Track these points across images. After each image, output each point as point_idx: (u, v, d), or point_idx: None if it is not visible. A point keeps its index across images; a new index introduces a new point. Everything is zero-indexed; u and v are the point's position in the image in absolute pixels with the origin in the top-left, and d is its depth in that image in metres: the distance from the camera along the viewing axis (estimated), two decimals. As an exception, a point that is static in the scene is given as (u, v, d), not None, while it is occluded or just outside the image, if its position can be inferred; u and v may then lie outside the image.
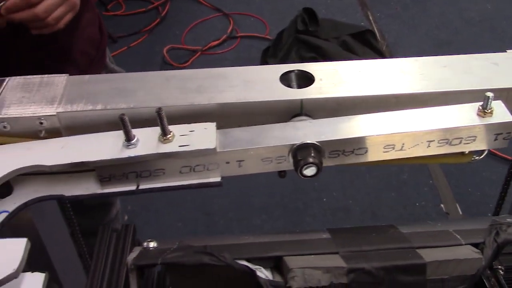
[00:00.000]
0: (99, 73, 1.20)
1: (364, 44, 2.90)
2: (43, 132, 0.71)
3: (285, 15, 3.19)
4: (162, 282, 0.63)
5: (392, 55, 2.93)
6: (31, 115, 0.70)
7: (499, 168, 2.36)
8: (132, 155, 0.66)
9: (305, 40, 2.83)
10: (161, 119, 0.66)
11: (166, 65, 2.96)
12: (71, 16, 0.86)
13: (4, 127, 0.70)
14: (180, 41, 3.11)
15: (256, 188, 2.37)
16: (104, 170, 0.69)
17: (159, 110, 0.65)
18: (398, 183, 2.44)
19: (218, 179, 0.70)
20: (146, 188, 0.70)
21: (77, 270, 0.97)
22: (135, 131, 0.67)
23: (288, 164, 0.68)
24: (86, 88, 0.75)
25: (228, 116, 0.72)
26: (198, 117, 0.72)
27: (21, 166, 0.67)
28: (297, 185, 2.46)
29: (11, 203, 0.70)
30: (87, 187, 0.71)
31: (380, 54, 2.86)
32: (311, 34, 2.85)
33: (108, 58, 1.27)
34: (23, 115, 0.70)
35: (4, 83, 0.75)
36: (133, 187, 0.70)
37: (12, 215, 0.69)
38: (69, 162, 0.66)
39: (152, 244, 0.63)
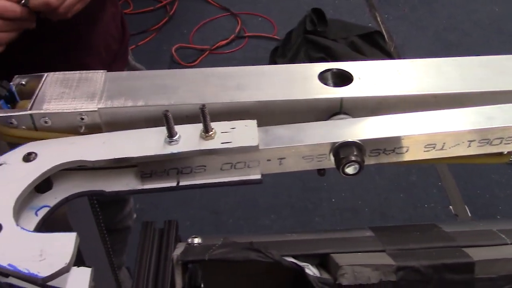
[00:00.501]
0: (122, 70, 1.21)
1: (372, 45, 2.90)
2: (83, 127, 0.71)
3: (292, 15, 3.20)
4: (206, 278, 0.63)
5: (400, 57, 2.94)
6: (73, 110, 0.70)
7: (508, 170, 2.37)
8: (175, 151, 0.66)
9: (314, 41, 2.84)
10: (204, 116, 0.66)
11: (174, 64, 2.96)
12: (80, 6, 0.87)
13: (45, 122, 0.70)
14: (188, 40, 3.12)
15: (262, 188, 2.37)
16: (146, 166, 0.69)
17: (202, 107, 0.65)
18: (407, 184, 2.44)
19: (258, 176, 0.70)
20: (186, 185, 0.70)
21: (105, 266, 0.98)
22: (176, 128, 0.68)
23: (328, 162, 0.69)
24: (125, 85, 0.75)
25: (268, 114, 0.72)
26: (238, 115, 0.72)
27: (65, 161, 0.67)
28: (306, 185, 2.46)
29: (52, 198, 0.70)
30: (127, 183, 0.71)
31: (389, 56, 2.87)
32: (320, 34, 2.86)
33: (130, 55, 1.28)
34: (65, 111, 0.70)
35: (43, 79, 0.75)
36: (174, 184, 0.71)
37: (53, 210, 0.70)
38: (113, 157, 0.67)
39: (197, 240, 0.63)
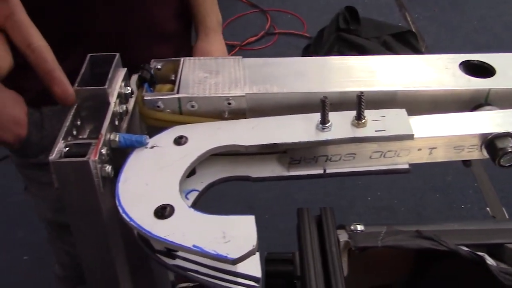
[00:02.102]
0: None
1: (404, 45, 2.91)
2: (227, 113, 0.71)
3: (321, 13, 3.20)
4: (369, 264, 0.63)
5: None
6: (221, 95, 0.70)
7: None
8: (330, 138, 0.66)
9: (347, 39, 2.84)
10: (360, 103, 0.66)
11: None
12: None
13: (192, 106, 0.70)
14: (218, 35, 3.10)
15: (299, 184, 2.37)
16: (296, 153, 0.69)
17: (360, 94, 0.65)
18: (443, 185, 2.45)
19: (406, 165, 0.70)
20: (333, 172, 0.70)
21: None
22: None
23: (478, 154, 0.69)
24: (265, 71, 0.75)
25: (411, 103, 0.72)
26: (380, 103, 0.71)
27: (218, 145, 0.66)
28: (342, 183, 2.47)
29: (198, 183, 0.69)
30: (273, 170, 0.71)
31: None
32: (352, 32, 2.86)
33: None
34: (213, 95, 0.70)
35: (181, 63, 0.75)
36: (320, 171, 0.70)
37: (201, 195, 0.69)
38: (266, 143, 0.66)
39: (360, 227, 0.63)
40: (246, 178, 0.70)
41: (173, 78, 0.76)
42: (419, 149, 0.68)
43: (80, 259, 0.69)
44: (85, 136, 0.71)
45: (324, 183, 2.45)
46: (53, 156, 0.61)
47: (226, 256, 0.53)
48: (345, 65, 0.76)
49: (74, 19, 0.96)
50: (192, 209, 0.59)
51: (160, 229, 0.56)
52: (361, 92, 0.65)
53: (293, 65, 0.76)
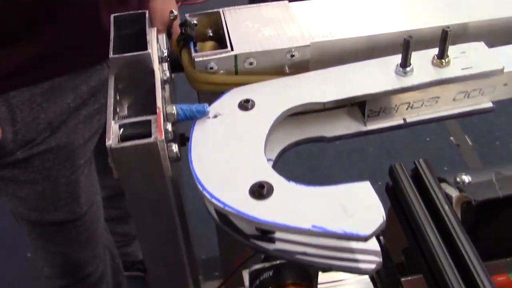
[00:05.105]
0: None
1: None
2: (290, 66, 0.62)
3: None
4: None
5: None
6: (283, 47, 0.60)
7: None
8: (415, 83, 0.58)
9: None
10: (445, 39, 0.58)
11: None
12: None
13: (250, 63, 0.60)
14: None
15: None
16: (376, 104, 0.61)
17: (446, 29, 0.58)
18: (407, 121, 2.45)
19: (489, 104, 0.64)
20: (414, 121, 0.63)
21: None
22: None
23: None
24: (317, 14, 0.65)
25: (482, 35, 0.65)
26: (456, 37, 0.64)
27: (292, 106, 0.57)
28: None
29: (269, 151, 0.60)
30: (348, 126, 0.63)
31: None
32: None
33: None
34: (274, 48, 0.60)
35: (222, 16, 0.64)
36: (400, 121, 0.63)
37: (274, 164, 0.60)
38: (346, 96, 0.58)
39: (467, 178, 0.57)
40: (320, 139, 0.62)
41: (211, 34, 0.65)
42: (505, 84, 0.62)
43: (144, 252, 0.60)
44: (124, 113, 0.60)
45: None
46: (110, 141, 0.50)
47: (357, 234, 0.45)
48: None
49: None
50: (293, 183, 0.50)
51: (264, 212, 0.47)
52: (447, 27, 0.58)
53: (347, 4, 0.67)
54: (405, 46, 0.57)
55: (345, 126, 0.62)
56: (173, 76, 0.68)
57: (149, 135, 0.51)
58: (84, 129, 0.95)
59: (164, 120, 0.53)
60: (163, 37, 0.66)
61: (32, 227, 1.05)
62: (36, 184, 0.94)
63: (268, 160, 0.60)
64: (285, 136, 0.61)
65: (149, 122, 0.52)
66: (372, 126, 0.62)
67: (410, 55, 0.58)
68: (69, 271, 1.14)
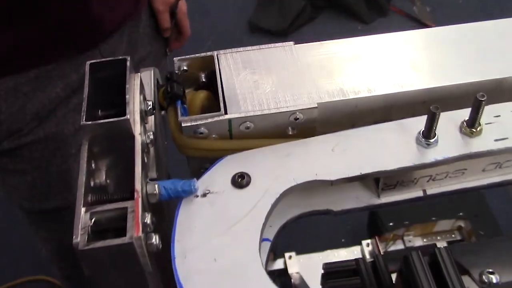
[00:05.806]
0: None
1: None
2: (293, 129, 0.53)
3: None
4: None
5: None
6: (286, 109, 0.51)
7: None
8: (440, 158, 0.50)
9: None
10: (477, 108, 0.49)
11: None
12: None
13: (247, 127, 0.51)
14: None
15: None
16: (392, 178, 0.52)
17: (481, 98, 0.48)
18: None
19: (524, 174, 0.55)
20: (435, 193, 0.55)
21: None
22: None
23: None
24: (327, 62, 0.56)
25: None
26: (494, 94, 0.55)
27: (294, 184, 0.49)
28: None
29: (266, 227, 0.52)
30: (359, 197, 0.54)
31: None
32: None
33: None
34: (276, 111, 0.51)
35: (215, 60, 0.55)
36: (420, 194, 0.55)
37: (274, 244, 0.53)
38: (358, 174, 0.49)
39: (495, 278, 0.49)
40: (326, 212, 0.54)
41: (204, 80, 0.56)
42: (545, 154, 0.53)
43: None
44: (102, 180, 0.52)
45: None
46: (78, 239, 0.43)
47: None
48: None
49: None
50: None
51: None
52: (483, 95, 0.48)
53: (362, 51, 0.57)
54: (430, 117, 0.49)
55: (355, 197, 0.54)
56: (162, 113, 0.60)
57: (124, 229, 0.43)
58: (75, 118, 0.88)
59: (143, 209, 0.45)
60: (150, 82, 0.57)
61: (26, 214, 1.02)
62: (26, 174, 0.90)
63: (264, 240, 0.53)
64: (287, 208, 0.54)
65: (123, 210, 0.45)
66: (387, 199, 0.54)
67: (436, 127, 0.49)
68: (65, 256, 1.12)
